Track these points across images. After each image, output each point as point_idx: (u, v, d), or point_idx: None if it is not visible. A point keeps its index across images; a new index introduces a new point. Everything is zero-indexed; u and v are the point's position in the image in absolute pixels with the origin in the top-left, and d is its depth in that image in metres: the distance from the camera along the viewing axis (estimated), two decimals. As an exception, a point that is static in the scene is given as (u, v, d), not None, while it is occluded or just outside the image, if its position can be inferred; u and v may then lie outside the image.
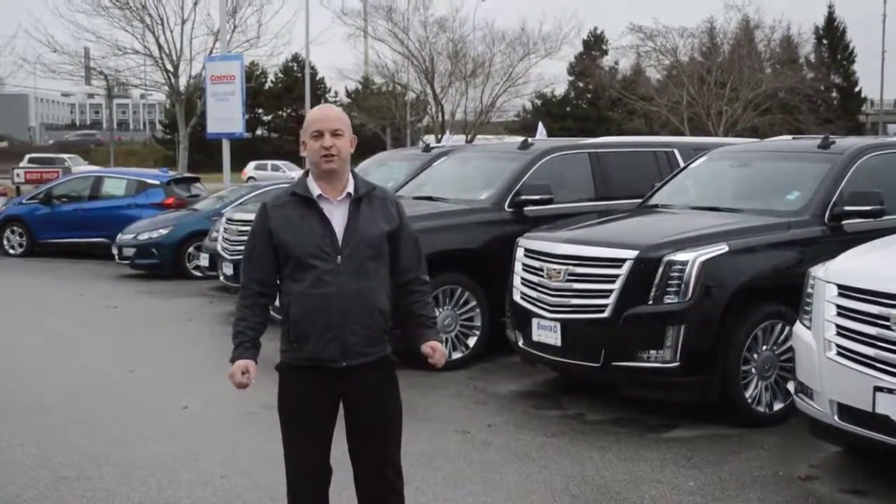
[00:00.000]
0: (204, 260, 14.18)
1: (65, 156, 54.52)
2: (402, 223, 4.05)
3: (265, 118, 76.26)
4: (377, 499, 4.06)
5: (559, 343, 7.21)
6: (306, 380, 3.93)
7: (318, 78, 68.01)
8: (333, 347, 3.86)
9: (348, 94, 63.08)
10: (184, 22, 31.53)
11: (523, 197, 9.25)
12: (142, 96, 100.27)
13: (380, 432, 4.02)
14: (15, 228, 19.31)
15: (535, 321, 7.41)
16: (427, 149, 13.48)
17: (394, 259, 4.04)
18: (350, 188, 3.94)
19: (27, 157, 51.78)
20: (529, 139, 11.00)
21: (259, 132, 74.52)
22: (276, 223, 3.91)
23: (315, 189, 3.92)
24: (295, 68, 70.36)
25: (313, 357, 3.89)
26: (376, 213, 3.96)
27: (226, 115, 21.69)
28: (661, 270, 6.71)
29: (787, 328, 6.70)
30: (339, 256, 3.85)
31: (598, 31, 68.55)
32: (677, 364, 6.63)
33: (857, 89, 66.15)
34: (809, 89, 48.30)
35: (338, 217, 3.90)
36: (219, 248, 12.59)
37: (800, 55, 52.41)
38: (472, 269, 8.96)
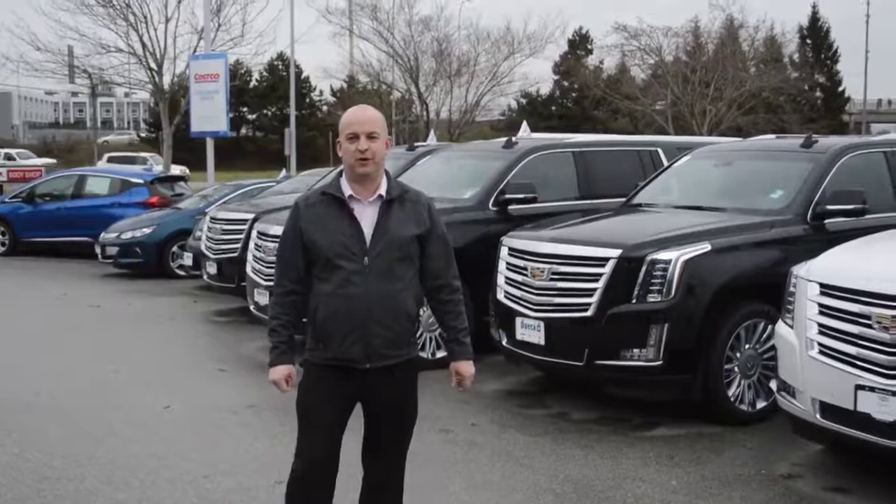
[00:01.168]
0: (188, 259, 14.14)
1: (146, 154, 53.65)
2: (433, 226, 4.02)
3: (250, 117, 76.02)
4: (381, 497, 4.18)
5: (543, 342, 7.21)
6: (329, 377, 3.93)
7: (303, 77, 67.90)
8: (358, 349, 3.87)
9: (333, 93, 63.04)
10: (168, 20, 31.35)
11: (507, 196, 9.25)
12: (126, 95, 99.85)
13: (393, 433, 4.08)
14: (-3, 227, 19.22)
15: (518, 320, 7.41)
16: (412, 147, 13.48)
17: (423, 263, 4.03)
18: (382, 189, 3.93)
19: (106, 156, 50.80)
20: (513, 138, 11.01)
21: (244, 131, 74.31)
22: (306, 222, 3.92)
23: (347, 189, 3.92)
24: (280, 67, 70.16)
25: (337, 357, 3.90)
26: (407, 216, 3.95)
27: (210, 113, 21.62)
28: (644, 269, 6.72)
29: (769, 327, 6.72)
30: (366, 258, 3.84)
31: (583, 31, 68.66)
32: (660, 363, 6.64)
33: (840, 89, 66.47)
34: (793, 89, 48.64)
35: (367, 218, 3.90)
36: (203, 247, 12.54)
37: (784, 55, 52.70)
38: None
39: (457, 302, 4.13)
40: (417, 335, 3.99)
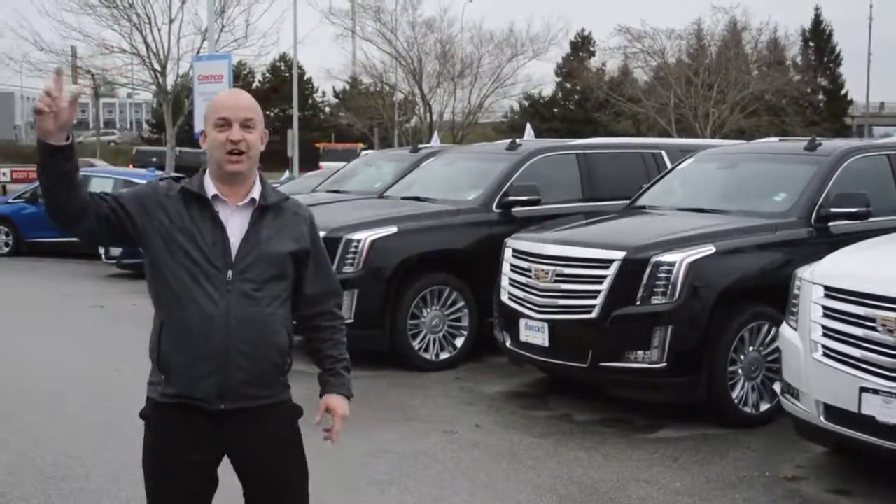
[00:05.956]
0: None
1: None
2: (313, 245, 3.31)
3: (253, 118, 76.11)
4: None
5: (547, 343, 7.22)
6: (176, 426, 3.20)
7: (305, 78, 67.92)
8: (210, 384, 3.11)
9: (336, 94, 63.12)
10: (171, 21, 31.39)
11: (511, 198, 9.26)
12: (129, 95, 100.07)
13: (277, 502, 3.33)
14: (1, 228, 19.23)
15: (522, 322, 7.42)
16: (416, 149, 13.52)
17: (298, 287, 3.30)
18: (255, 193, 3.20)
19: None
20: (517, 140, 11.02)
21: (246, 132, 74.36)
22: (169, 210, 3.17)
23: (211, 189, 3.17)
24: (283, 68, 70.23)
25: (183, 394, 3.17)
26: (284, 228, 3.22)
27: (213, 114, 21.64)
28: (648, 271, 6.73)
29: (773, 329, 6.72)
30: (230, 272, 3.11)
31: (586, 33, 68.56)
32: (664, 365, 6.65)
33: (843, 92, 66.46)
34: (796, 91, 48.64)
35: (234, 225, 3.15)
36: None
37: (786, 57, 52.68)
38: (460, 270, 8.97)
39: (337, 329, 3.40)
40: (286, 374, 3.28)
